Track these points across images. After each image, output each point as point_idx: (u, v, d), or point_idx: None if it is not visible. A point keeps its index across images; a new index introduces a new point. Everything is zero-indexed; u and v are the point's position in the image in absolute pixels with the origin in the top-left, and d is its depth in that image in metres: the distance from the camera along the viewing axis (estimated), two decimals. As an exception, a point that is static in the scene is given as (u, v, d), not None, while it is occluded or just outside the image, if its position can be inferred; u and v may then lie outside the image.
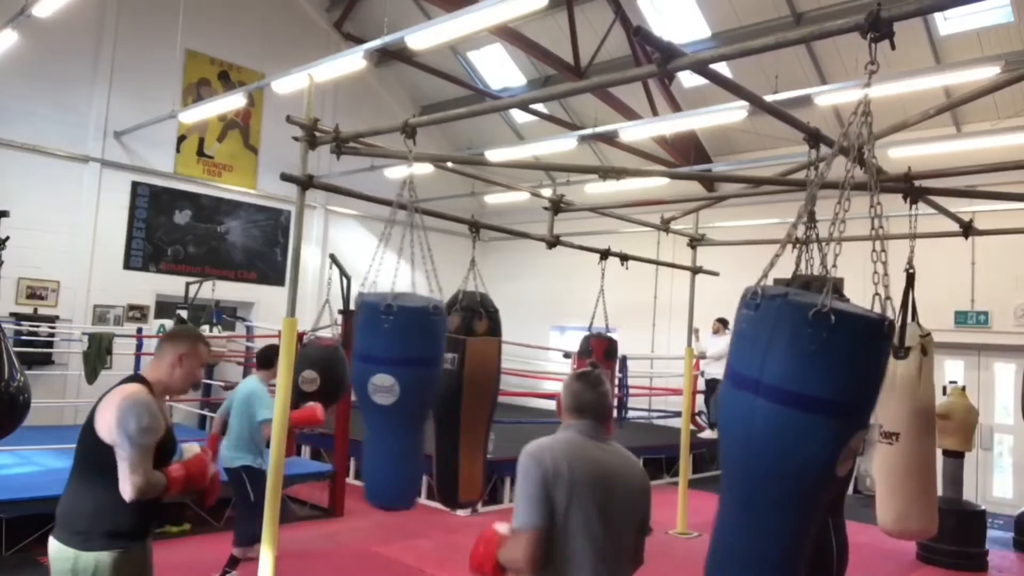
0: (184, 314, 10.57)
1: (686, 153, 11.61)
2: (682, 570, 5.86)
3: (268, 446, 4.85)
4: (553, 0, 9.00)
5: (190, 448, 2.94)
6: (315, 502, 7.49)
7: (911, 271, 4.31)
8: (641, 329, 12.33)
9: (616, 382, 8.41)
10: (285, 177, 4.62)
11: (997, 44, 8.66)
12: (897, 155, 7.70)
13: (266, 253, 12.69)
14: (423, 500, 8.01)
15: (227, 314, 11.68)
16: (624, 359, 10.51)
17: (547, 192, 7.01)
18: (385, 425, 3.82)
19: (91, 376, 8.11)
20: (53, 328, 10.07)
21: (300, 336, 6.51)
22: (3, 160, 9.93)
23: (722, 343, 10.70)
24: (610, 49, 10.50)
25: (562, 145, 10.33)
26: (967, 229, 5.82)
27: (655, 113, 10.81)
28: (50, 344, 10.10)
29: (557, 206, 6.27)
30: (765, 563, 2.27)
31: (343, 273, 8.10)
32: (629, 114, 11.01)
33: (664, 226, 7.60)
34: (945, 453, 6.77)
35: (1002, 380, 9.52)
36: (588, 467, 2.38)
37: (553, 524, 2.30)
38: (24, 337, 9.42)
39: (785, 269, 2.75)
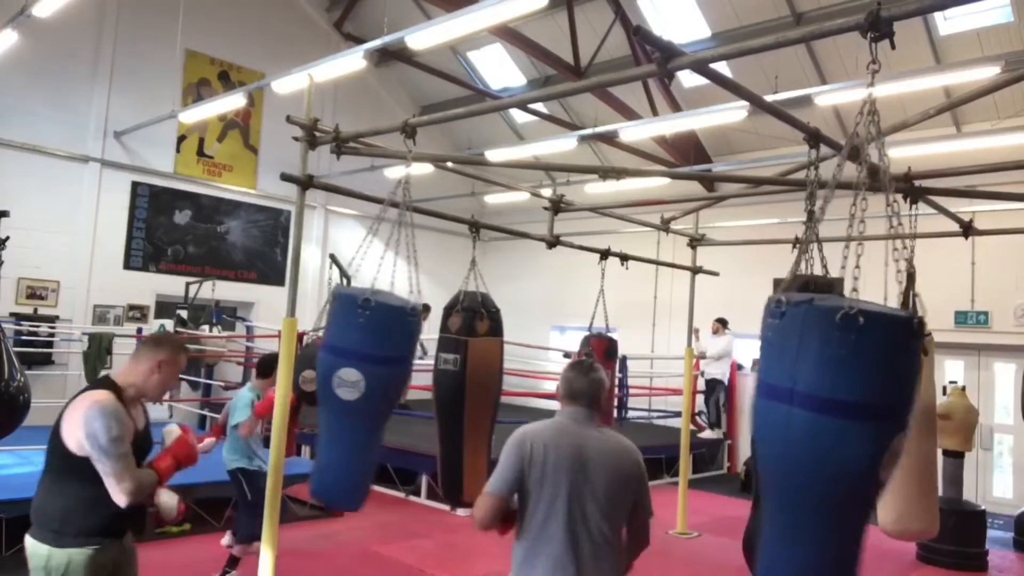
0: (184, 314, 10.59)
1: (686, 153, 11.61)
2: (682, 570, 5.87)
3: (267, 446, 4.87)
4: (553, 0, 9.00)
5: (170, 431, 2.94)
6: (315, 502, 7.49)
7: (911, 271, 4.32)
8: (641, 329, 12.33)
9: (616, 382, 8.41)
10: (285, 177, 4.62)
11: (997, 44, 8.66)
12: (897, 155, 7.67)
13: (266, 253, 12.70)
14: (423, 500, 8.03)
15: (227, 314, 11.68)
16: (624, 359, 10.51)
17: (547, 192, 7.02)
18: (344, 421, 3.72)
19: (91, 376, 8.12)
20: (53, 328, 10.07)
21: (300, 336, 6.52)
22: (3, 160, 9.93)
23: (722, 343, 10.73)
24: (610, 49, 10.50)
25: (562, 145, 10.33)
26: (967, 229, 5.82)
27: (655, 113, 10.81)
28: (50, 344, 10.10)
29: (557, 206, 6.27)
30: (819, 574, 2.25)
31: (343, 273, 8.11)
32: (629, 114, 11.01)
33: (664, 226, 7.61)
34: (945, 453, 6.77)
35: (1002, 380, 9.52)
36: (565, 451, 2.56)
37: (527, 500, 2.56)
38: (24, 337, 9.43)
39: (784, 269, 2.75)
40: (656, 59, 3.13)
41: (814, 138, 3.96)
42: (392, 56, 12.55)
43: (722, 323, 10.72)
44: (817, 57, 9.77)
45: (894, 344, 2.13)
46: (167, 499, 2.93)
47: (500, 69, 12.83)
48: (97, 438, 2.54)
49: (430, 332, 6.19)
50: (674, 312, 11.37)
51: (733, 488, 9.62)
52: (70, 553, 2.56)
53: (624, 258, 7.04)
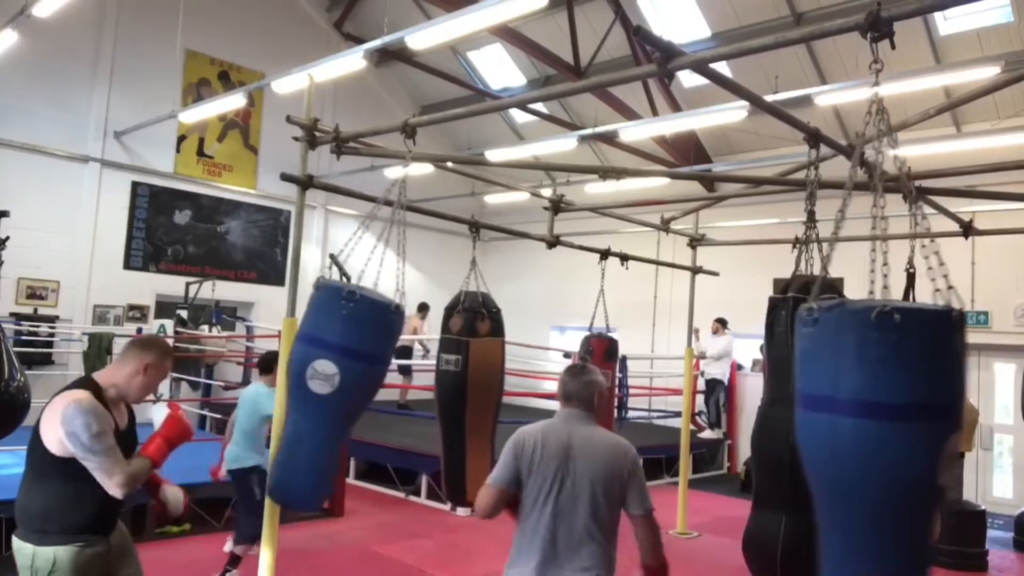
0: (184, 314, 10.58)
1: (686, 153, 11.61)
2: (682, 570, 5.86)
3: (268, 445, 4.87)
4: (553, 0, 9.00)
5: (157, 409, 2.93)
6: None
7: (911, 271, 4.31)
8: (641, 329, 12.32)
9: (616, 382, 8.41)
10: (285, 177, 4.62)
11: (997, 44, 8.66)
12: (896, 155, 7.69)
13: (266, 253, 12.70)
14: (423, 500, 8.03)
15: (227, 314, 11.69)
16: (624, 359, 10.51)
17: (547, 192, 7.02)
18: (314, 416, 3.54)
19: (91, 376, 8.10)
20: (53, 328, 10.07)
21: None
22: (3, 160, 9.93)
23: (722, 343, 10.73)
24: (610, 49, 10.49)
25: (562, 145, 10.33)
26: (967, 229, 5.82)
27: (655, 113, 10.81)
28: (50, 344, 10.10)
29: (557, 206, 6.27)
30: None
31: (343, 273, 8.09)
32: (629, 114, 11.01)
33: (664, 226, 7.61)
34: (945, 453, 6.76)
35: (1002, 380, 9.52)
36: (552, 446, 2.76)
37: (522, 493, 2.78)
38: (24, 337, 9.42)
39: (784, 269, 2.75)
40: (656, 59, 3.13)
41: (814, 138, 3.96)
42: (392, 56, 12.55)
43: (722, 323, 10.72)
44: (817, 57, 9.77)
45: (935, 339, 2.05)
46: (173, 493, 2.93)
47: (500, 69, 12.83)
48: (78, 436, 2.53)
49: (431, 331, 6.18)
50: (674, 312, 11.36)
51: (733, 488, 9.62)
52: (55, 551, 2.55)
53: (624, 258, 7.04)
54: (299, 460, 3.61)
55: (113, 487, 2.56)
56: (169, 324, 10.32)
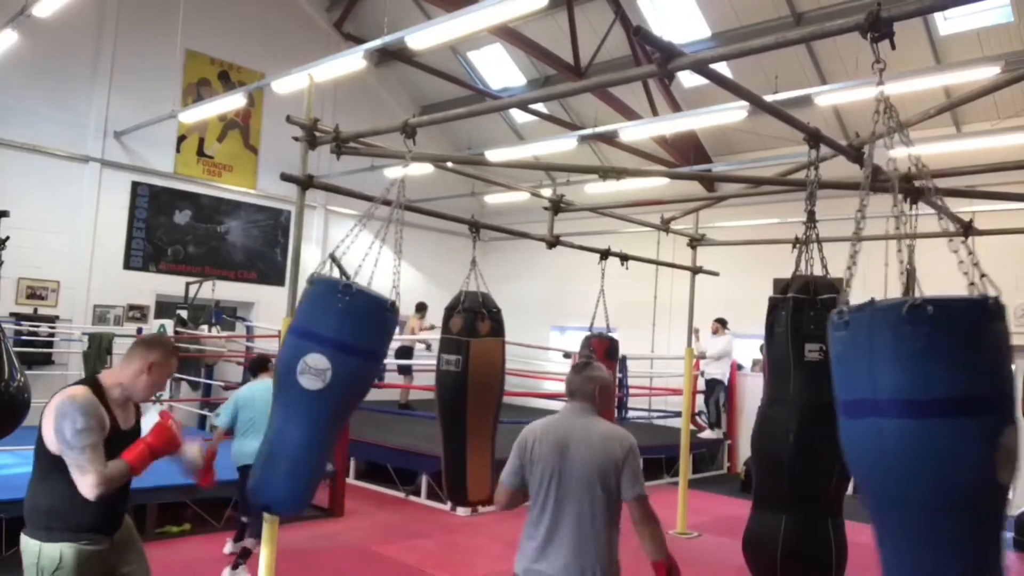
0: (184, 314, 10.58)
1: (686, 153, 11.61)
2: (682, 570, 5.86)
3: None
4: (553, 0, 9.00)
5: (149, 416, 2.93)
6: (315, 502, 7.48)
7: (911, 271, 4.32)
8: (641, 329, 12.32)
9: (616, 382, 8.42)
10: (285, 177, 4.62)
11: (997, 44, 8.66)
12: (897, 155, 7.69)
13: (266, 253, 12.70)
14: (423, 500, 8.03)
15: (227, 314, 11.69)
16: (624, 359, 10.51)
17: (547, 192, 7.01)
18: (302, 413, 3.38)
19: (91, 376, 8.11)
20: (53, 328, 10.07)
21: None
22: (3, 160, 9.93)
23: (722, 343, 10.74)
24: (610, 49, 10.50)
25: (562, 145, 10.33)
26: (967, 229, 5.82)
27: (655, 113, 10.81)
28: (50, 344, 10.10)
29: (557, 206, 6.27)
30: None
31: (343, 272, 8.09)
32: (629, 114, 11.01)
33: (664, 226, 7.61)
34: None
35: (1002, 380, 9.51)
36: (551, 439, 2.88)
37: (529, 485, 2.92)
38: (24, 337, 9.43)
39: (784, 269, 2.75)
40: (656, 59, 3.13)
41: (814, 138, 3.96)
42: (392, 56, 12.55)
43: (722, 323, 10.72)
44: (817, 57, 9.77)
45: (972, 329, 1.99)
46: (192, 451, 2.96)
47: (500, 69, 12.83)
48: (63, 432, 2.53)
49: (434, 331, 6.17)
50: (674, 312, 11.36)
51: (733, 488, 9.62)
52: (60, 547, 2.57)
53: (624, 258, 7.04)
54: (281, 462, 3.43)
55: (85, 486, 2.53)
56: (169, 324, 10.32)
